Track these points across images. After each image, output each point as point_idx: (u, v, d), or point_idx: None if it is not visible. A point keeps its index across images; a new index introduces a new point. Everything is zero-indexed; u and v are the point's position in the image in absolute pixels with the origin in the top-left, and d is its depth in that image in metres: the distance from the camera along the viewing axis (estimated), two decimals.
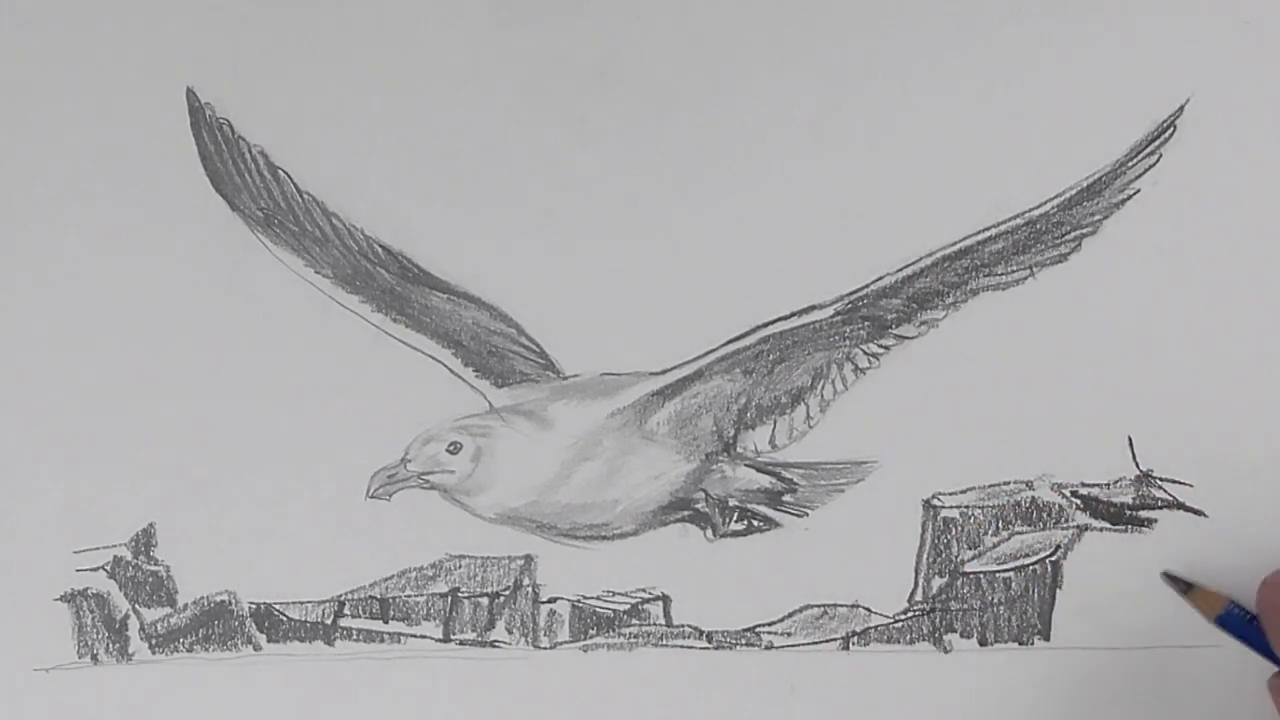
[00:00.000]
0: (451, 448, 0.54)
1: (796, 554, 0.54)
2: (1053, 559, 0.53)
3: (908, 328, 0.53)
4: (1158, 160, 0.52)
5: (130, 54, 0.55)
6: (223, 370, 0.55)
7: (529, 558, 0.55)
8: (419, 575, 0.55)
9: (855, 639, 0.54)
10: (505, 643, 0.55)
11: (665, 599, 0.55)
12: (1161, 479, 0.53)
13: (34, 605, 0.56)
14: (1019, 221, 0.52)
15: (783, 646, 0.54)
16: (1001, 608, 0.54)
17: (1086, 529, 0.53)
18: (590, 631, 0.55)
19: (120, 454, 0.56)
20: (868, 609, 0.54)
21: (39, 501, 0.56)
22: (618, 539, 0.55)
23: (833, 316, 0.53)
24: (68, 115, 0.55)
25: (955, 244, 0.53)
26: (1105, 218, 0.52)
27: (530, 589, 0.55)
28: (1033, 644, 0.54)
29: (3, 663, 0.57)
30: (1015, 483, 0.53)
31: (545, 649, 0.55)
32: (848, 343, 0.53)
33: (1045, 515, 0.53)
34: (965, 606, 0.54)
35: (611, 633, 0.55)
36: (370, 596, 0.56)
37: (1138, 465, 0.53)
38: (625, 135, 0.54)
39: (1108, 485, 0.53)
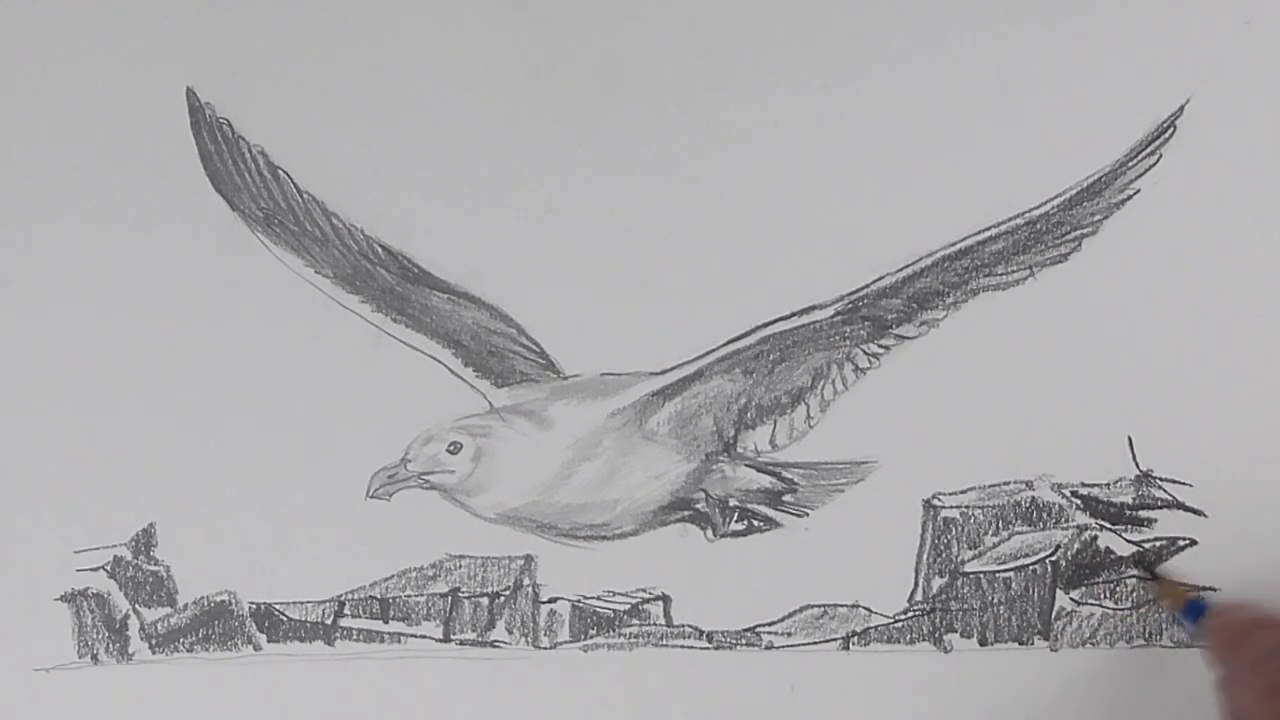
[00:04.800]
0: (452, 448, 0.54)
1: (796, 554, 0.54)
2: (1053, 559, 0.53)
3: (908, 328, 0.53)
4: (1158, 160, 0.52)
5: (130, 54, 0.55)
6: (223, 370, 0.55)
7: (529, 558, 0.55)
8: (419, 575, 0.55)
9: (855, 639, 0.54)
10: (505, 643, 0.55)
11: (665, 599, 0.55)
12: (1161, 479, 0.53)
13: (34, 605, 0.56)
14: (1019, 221, 0.52)
15: (783, 646, 0.54)
16: (1001, 608, 0.54)
17: (1086, 529, 0.53)
18: (590, 631, 0.55)
19: (120, 454, 0.56)
20: (868, 609, 0.54)
21: (39, 501, 0.56)
22: (618, 539, 0.55)
23: (833, 316, 0.53)
24: (68, 115, 0.55)
25: (955, 244, 0.53)
26: (1105, 218, 0.52)
27: (530, 589, 0.55)
28: (1033, 644, 0.54)
29: (3, 663, 0.57)
30: (1015, 483, 0.53)
31: (545, 649, 0.55)
32: (848, 343, 0.53)
33: (1045, 515, 0.53)
34: (965, 606, 0.54)
35: (611, 633, 0.55)
36: (370, 596, 0.56)
37: (1138, 465, 0.53)
38: (625, 135, 0.54)
39: (1108, 485, 0.53)
